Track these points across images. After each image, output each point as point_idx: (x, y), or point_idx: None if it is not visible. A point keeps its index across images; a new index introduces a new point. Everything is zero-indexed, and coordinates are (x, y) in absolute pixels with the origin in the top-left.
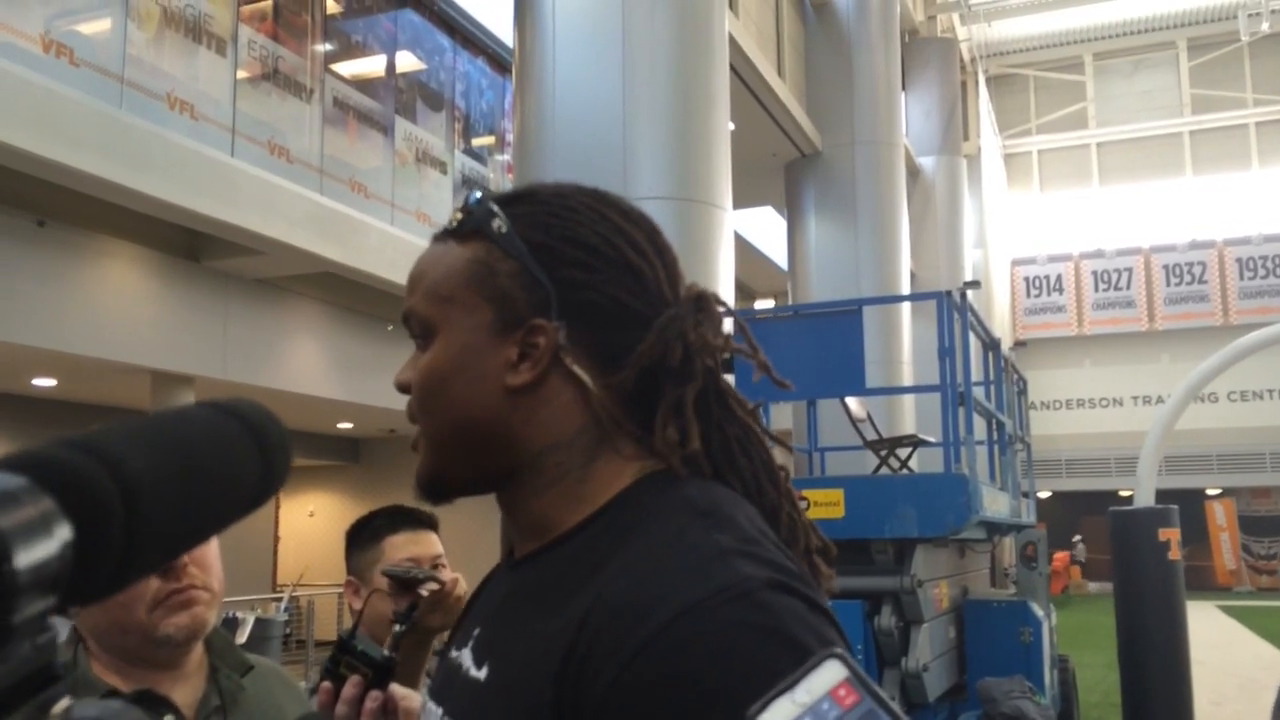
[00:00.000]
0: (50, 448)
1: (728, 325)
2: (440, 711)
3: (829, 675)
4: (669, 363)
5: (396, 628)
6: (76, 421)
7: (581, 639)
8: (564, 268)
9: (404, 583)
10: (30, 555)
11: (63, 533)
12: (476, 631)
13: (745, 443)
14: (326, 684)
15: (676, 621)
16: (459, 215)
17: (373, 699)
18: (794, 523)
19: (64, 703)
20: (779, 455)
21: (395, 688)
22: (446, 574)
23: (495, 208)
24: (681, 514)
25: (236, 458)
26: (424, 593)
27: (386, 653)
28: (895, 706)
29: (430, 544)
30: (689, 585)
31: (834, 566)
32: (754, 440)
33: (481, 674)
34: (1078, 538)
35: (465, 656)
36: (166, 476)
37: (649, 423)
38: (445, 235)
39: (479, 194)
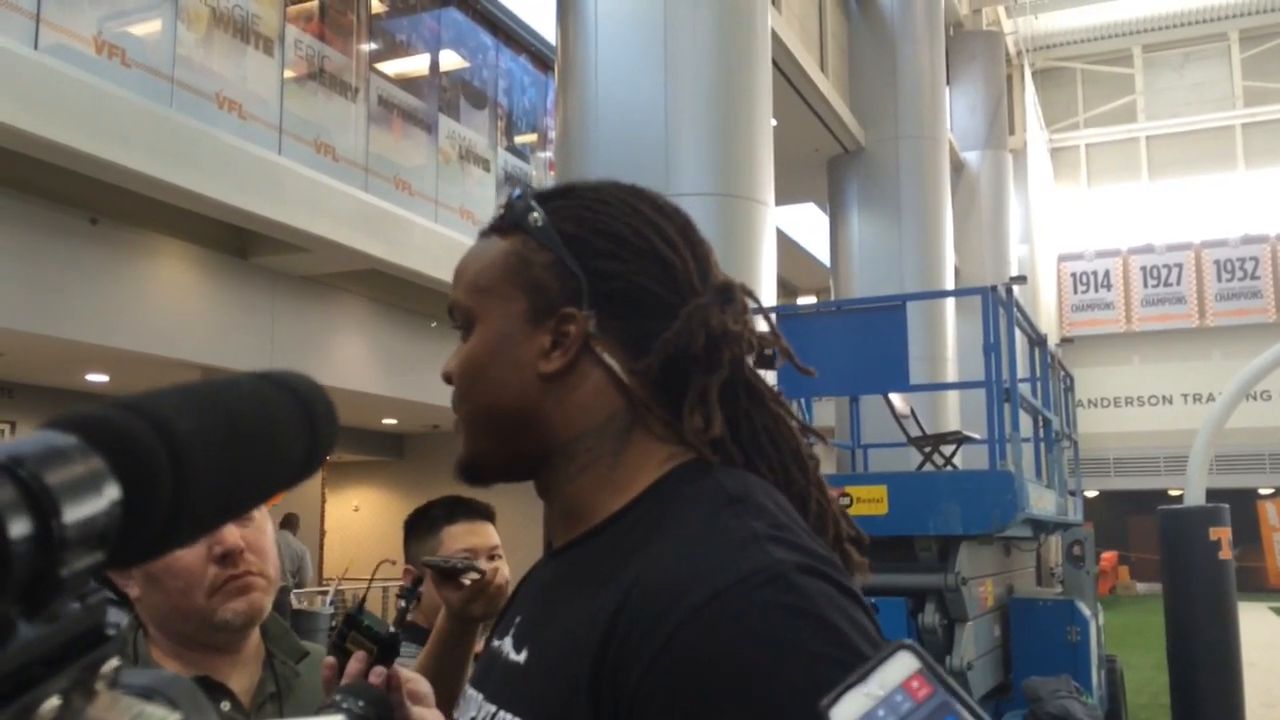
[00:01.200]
0: (101, 408)
1: (761, 321)
2: (480, 697)
3: (902, 666)
4: (694, 350)
5: (401, 604)
6: None
7: (619, 621)
8: (595, 258)
9: (444, 572)
10: (78, 511)
11: (111, 492)
12: (518, 620)
13: (774, 431)
14: (331, 659)
15: (712, 603)
16: (501, 210)
17: (376, 675)
18: (823, 510)
19: (113, 663)
20: (814, 447)
21: (401, 669)
22: (486, 564)
23: (533, 202)
24: (714, 501)
25: (284, 427)
26: (465, 582)
27: (392, 629)
28: (969, 698)
29: (487, 535)
30: (723, 568)
31: (866, 555)
32: (783, 429)
33: (521, 658)
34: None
35: (506, 644)
36: (214, 441)
37: (678, 411)
38: (488, 230)
39: (519, 190)
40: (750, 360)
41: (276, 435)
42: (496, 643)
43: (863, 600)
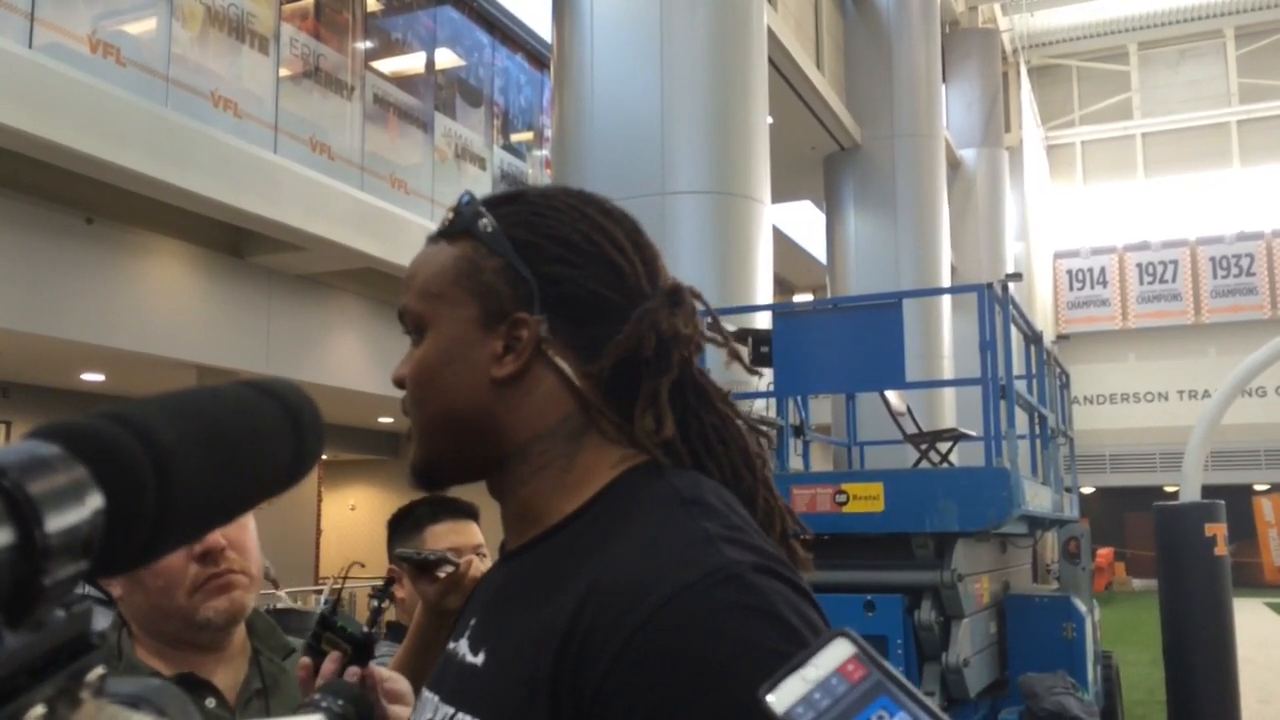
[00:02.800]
0: (84, 418)
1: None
2: (437, 699)
3: (837, 652)
4: (644, 353)
5: (373, 603)
6: None
7: (579, 621)
8: (546, 263)
9: (419, 565)
10: (61, 520)
11: (94, 500)
12: (473, 622)
13: (722, 431)
14: (306, 660)
15: (671, 602)
16: (450, 216)
17: (352, 675)
18: (770, 508)
19: (98, 671)
20: (764, 444)
21: (377, 669)
22: (463, 557)
23: (482, 208)
24: (668, 503)
25: (269, 435)
26: (440, 575)
27: (366, 629)
28: (903, 678)
29: (471, 533)
30: (681, 568)
31: (810, 551)
32: (731, 429)
33: (478, 659)
34: None
35: (462, 645)
36: (199, 450)
37: (629, 413)
38: (437, 236)
39: (468, 195)
40: (702, 360)
41: (261, 443)
42: (453, 644)
43: (814, 598)
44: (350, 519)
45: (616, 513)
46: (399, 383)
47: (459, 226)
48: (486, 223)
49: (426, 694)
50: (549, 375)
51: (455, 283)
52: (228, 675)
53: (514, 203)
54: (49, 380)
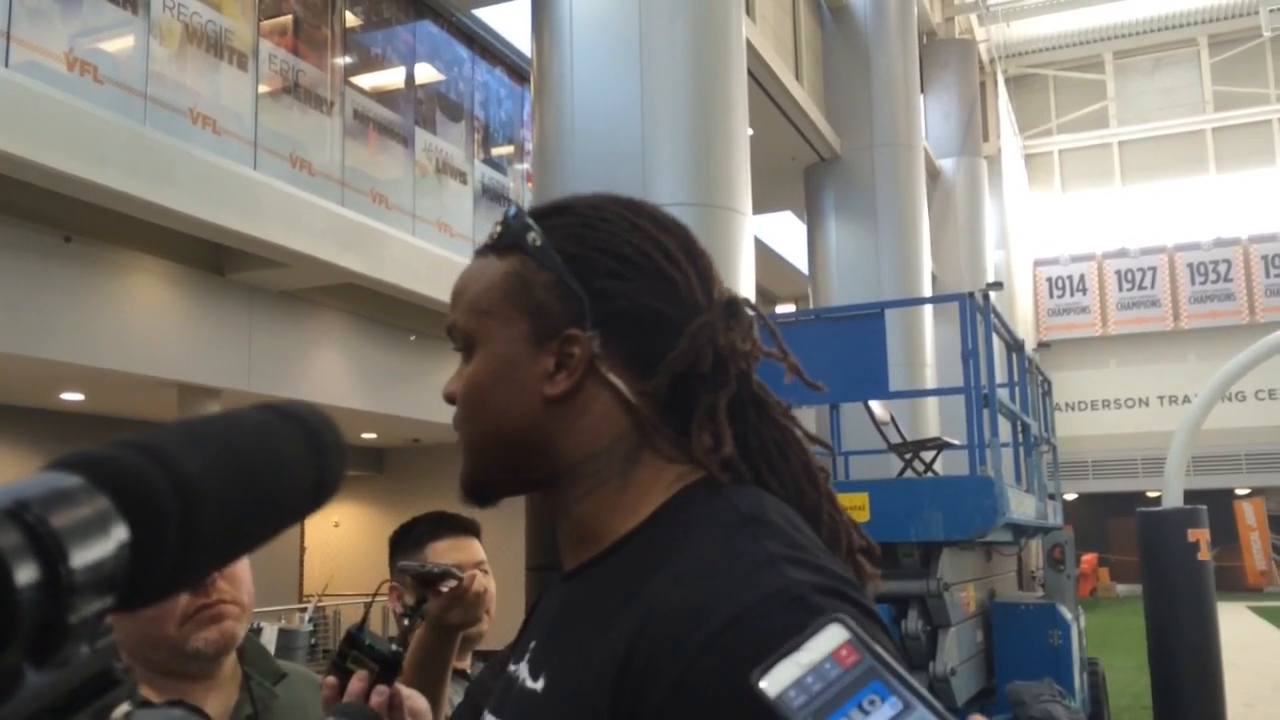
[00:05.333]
0: (106, 448)
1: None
2: None
3: (831, 637)
4: (701, 369)
5: (405, 622)
6: (104, 435)
7: (637, 646)
8: (598, 278)
9: (422, 579)
10: (86, 555)
11: (119, 533)
12: (533, 645)
13: (783, 445)
14: (331, 679)
15: (731, 626)
16: (498, 229)
17: (378, 694)
18: (835, 523)
19: (124, 708)
20: (823, 458)
21: (403, 689)
22: (467, 571)
23: (530, 221)
24: (728, 521)
25: (292, 461)
26: (443, 589)
27: (394, 648)
28: (897, 665)
29: (472, 550)
30: (741, 591)
31: (878, 565)
32: (792, 443)
33: (538, 685)
34: None
35: (522, 669)
36: (223, 478)
37: (686, 429)
38: (485, 250)
39: (516, 208)
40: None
41: (284, 469)
42: (512, 668)
43: (880, 619)
44: (334, 536)
45: (675, 532)
46: (450, 399)
47: (508, 240)
48: (535, 236)
49: (489, 718)
50: (603, 392)
51: (505, 299)
52: (218, 702)
53: (563, 214)
54: (27, 400)
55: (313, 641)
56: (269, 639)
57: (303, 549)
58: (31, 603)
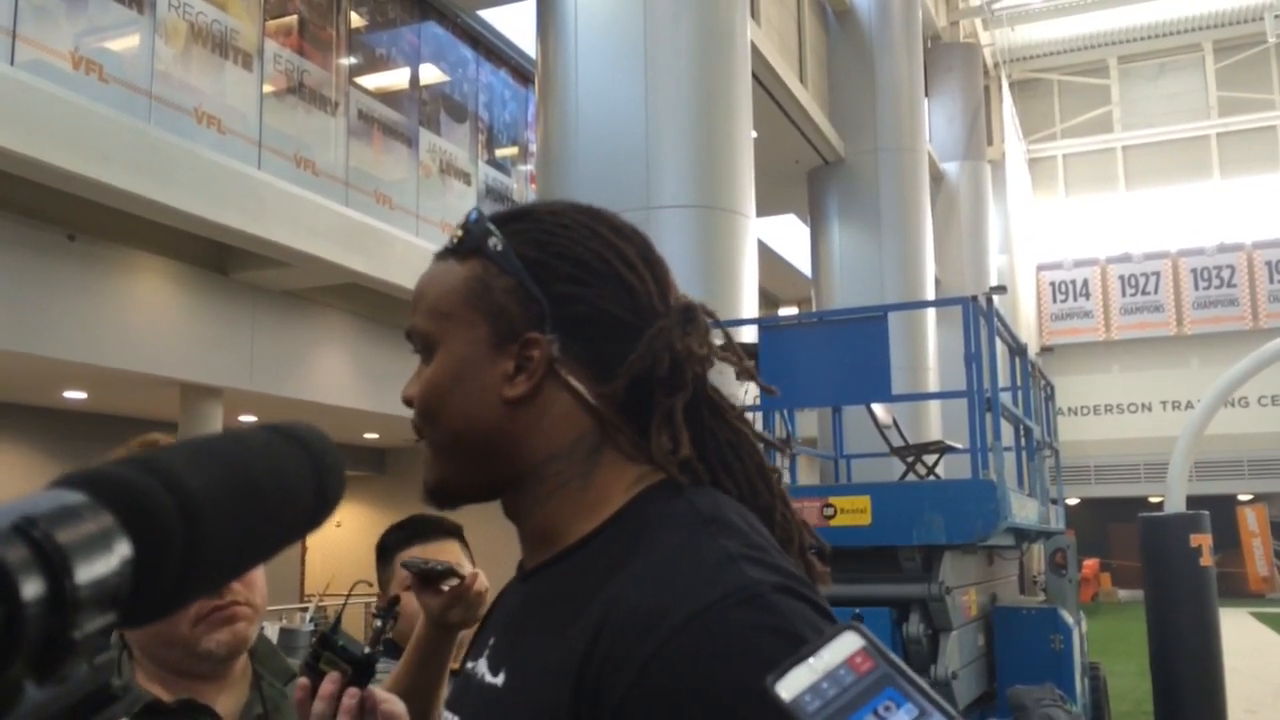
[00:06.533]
0: (109, 465)
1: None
2: (456, 719)
3: (846, 644)
4: (659, 372)
5: (376, 624)
6: (107, 434)
7: (598, 645)
8: (557, 282)
9: (424, 577)
10: (91, 571)
11: (123, 549)
12: (492, 641)
13: (738, 447)
14: (304, 680)
15: (691, 624)
16: (459, 234)
17: (350, 696)
18: (788, 522)
19: None
20: (776, 459)
21: (377, 691)
22: (467, 569)
23: (491, 226)
24: (688, 522)
25: (293, 480)
26: (445, 588)
27: (367, 650)
28: (912, 673)
29: (453, 553)
30: (700, 590)
31: (827, 564)
32: (746, 445)
33: (499, 680)
34: None
35: (481, 665)
36: (225, 496)
37: (644, 432)
38: (446, 254)
39: (476, 213)
40: (730, 374)
41: (287, 488)
42: (470, 664)
43: (834, 617)
44: (336, 536)
45: (635, 532)
46: (408, 401)
47: (469, 245)
48: (496, 241)
49: (447, 714)
50: (562, 395)
51: (466, 302)
52: (229, 701)
53: (523, 220)
54: (30, 399)
55: (313, 641)
56: (270, 638)
57: (304, 549)
58: (37, 617)
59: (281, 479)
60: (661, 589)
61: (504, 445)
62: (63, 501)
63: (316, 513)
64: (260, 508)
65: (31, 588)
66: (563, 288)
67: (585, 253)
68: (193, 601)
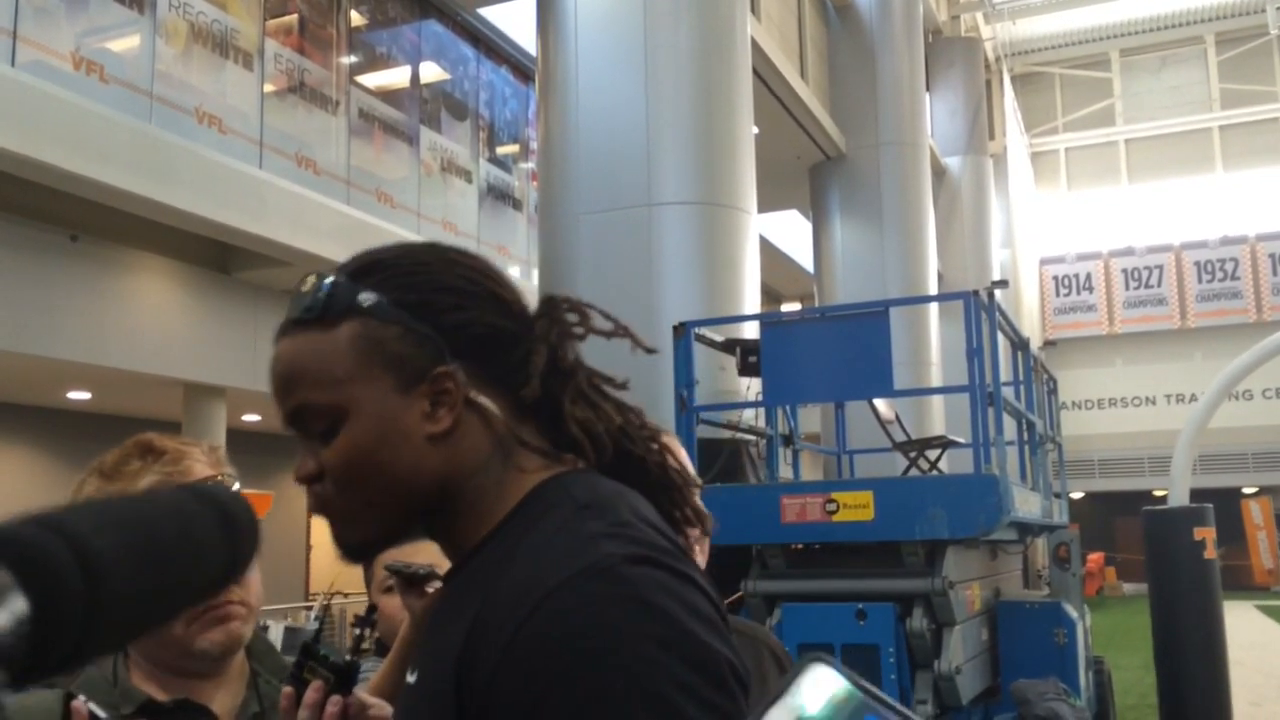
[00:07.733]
0: (12, 522)
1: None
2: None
3: (817, 678)
4: (561, 365)
5: (357, 631)
6: (111, 434)
7: (471, 634)
8: (444, 314)
9: (407, 579)
10: None
11: (16, 606)
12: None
13: (626, 414)
14: (288, 689)
15: (547, 600)
16: (312, 305)
17: (334, 704)
18: (665, 472)
19: None
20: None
21: (361, 694)
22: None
23: (355, 285)
24: (564, 509)
25: (203, 542)
26: (429, 589)
27: (348, 657)
28: (888, 698)
29: (430, 553)
30: (557, 569)
31: (709, 533)
32: (631, 413)
33: (412, 679)
34: None
35: (409, 670)
36: (130, 556)
37: (555, 423)
38: (299, 326)
39: (326, 280)
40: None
41: (195, 549)
42: (408, 672)
43: (701, 584)
44: None
45: (522, 527)
46: (311, 478)
47: (336, 310)
48: (367, 296)
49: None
50: (472, 416)
51: (359, 362)
52: (225, 699)
53: (379, 271)
54: (34, 399)
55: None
56: (275, 637)
57: (309, 547)
58: None
59: (189, 541)
60: (528, 571)
61: (434, 481)
62: None
63: (226, 574)
64: (165, 568)
65: None
66: (451, 317)
67: (457, 280)
68: (95, 659)
